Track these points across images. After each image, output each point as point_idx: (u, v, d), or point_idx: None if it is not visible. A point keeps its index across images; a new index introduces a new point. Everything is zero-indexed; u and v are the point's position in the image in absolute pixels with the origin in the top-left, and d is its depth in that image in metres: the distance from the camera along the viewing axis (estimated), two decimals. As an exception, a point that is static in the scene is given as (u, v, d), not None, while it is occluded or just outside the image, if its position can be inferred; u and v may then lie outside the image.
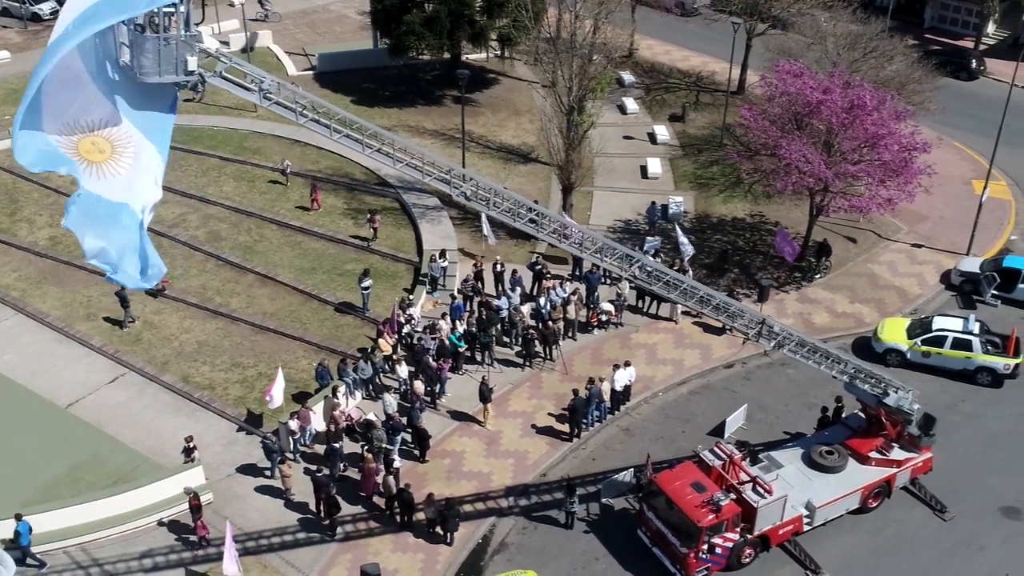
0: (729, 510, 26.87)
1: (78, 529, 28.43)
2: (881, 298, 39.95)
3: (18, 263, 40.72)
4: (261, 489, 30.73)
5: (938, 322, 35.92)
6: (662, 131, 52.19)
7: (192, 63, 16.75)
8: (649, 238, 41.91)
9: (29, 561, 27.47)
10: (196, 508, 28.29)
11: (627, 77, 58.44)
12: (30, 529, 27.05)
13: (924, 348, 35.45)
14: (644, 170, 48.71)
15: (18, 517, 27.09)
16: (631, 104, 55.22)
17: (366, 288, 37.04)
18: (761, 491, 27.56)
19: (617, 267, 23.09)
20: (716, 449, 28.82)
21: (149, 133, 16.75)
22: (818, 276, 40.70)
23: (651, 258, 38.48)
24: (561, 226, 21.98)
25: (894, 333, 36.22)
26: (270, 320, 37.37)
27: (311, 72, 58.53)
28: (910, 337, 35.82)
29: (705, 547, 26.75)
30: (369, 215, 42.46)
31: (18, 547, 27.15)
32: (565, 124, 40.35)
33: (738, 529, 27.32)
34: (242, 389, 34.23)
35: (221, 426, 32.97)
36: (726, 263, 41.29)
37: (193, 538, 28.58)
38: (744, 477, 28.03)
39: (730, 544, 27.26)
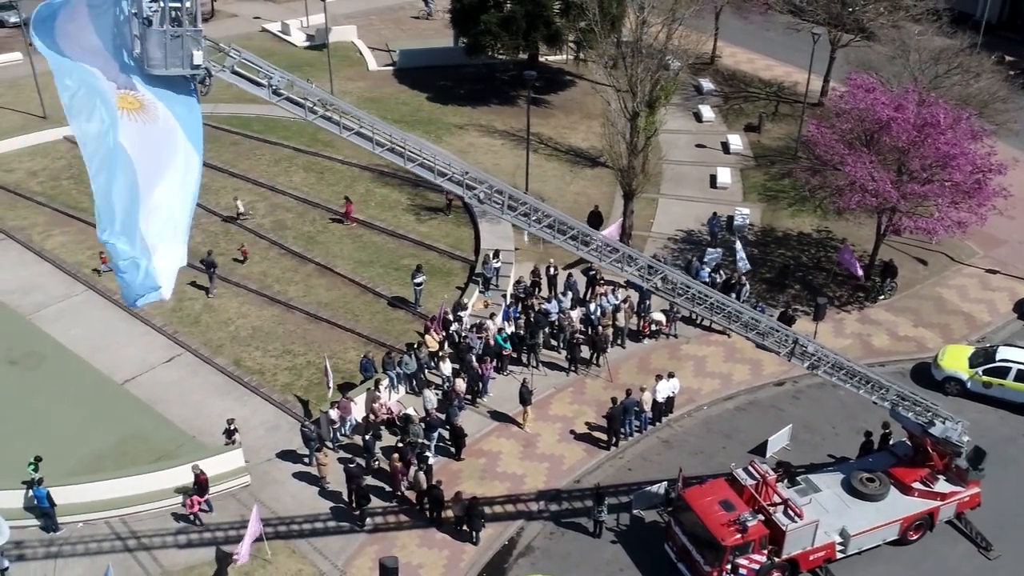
0: (756, 531, 26.29)
1: (119, 501, 29.38)
2: (947, 323, 38.56)
3: (93, 241, 41.90)
4: (298, 475, 31.27)
5: (1003, 352, 34.47)
6: (736, 141, 51.38)
7: (198, 57, 17.22)
8: (710, 249, 41.40)
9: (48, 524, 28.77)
10: (202, 485, 29.00)
11: (706, 84, 57.76)
12: (48, 495, 28.13)
13: (985, 378, 34.11)
14: (713, 179, 48.01)
15: (39, 482, 28.26)
16: (707, 112, 54.53)
17: (418, 284, 37.43)
18: (792, 514, 26.90)
19: (639, 277, 22.80)
20: (751, 468, 28.20)
21: (177, 113, 17.23)
22: (882, 297, 39.49)
23: (706, 272, 38.20)
24: (582, 233, 21.79)
25: (955, 360, 34.93)
26: (324, 310, 38.05)
27: (391, 68, 59.40)
28: (972, 366, 34.51)
29: (729, 567, 26.24)
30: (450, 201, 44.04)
31: (38, 512, 28.54)
32: (629, 129, 40.00)
33: (765, 551, 26.71)
34: (290, 376, 34.93)
35: (267, 411, 33.68)
36: (787, 278, 40.40)
37: (227, 520, 29.24)
38: (776, 499, 27.40)
39: (756, 566, 26.67)
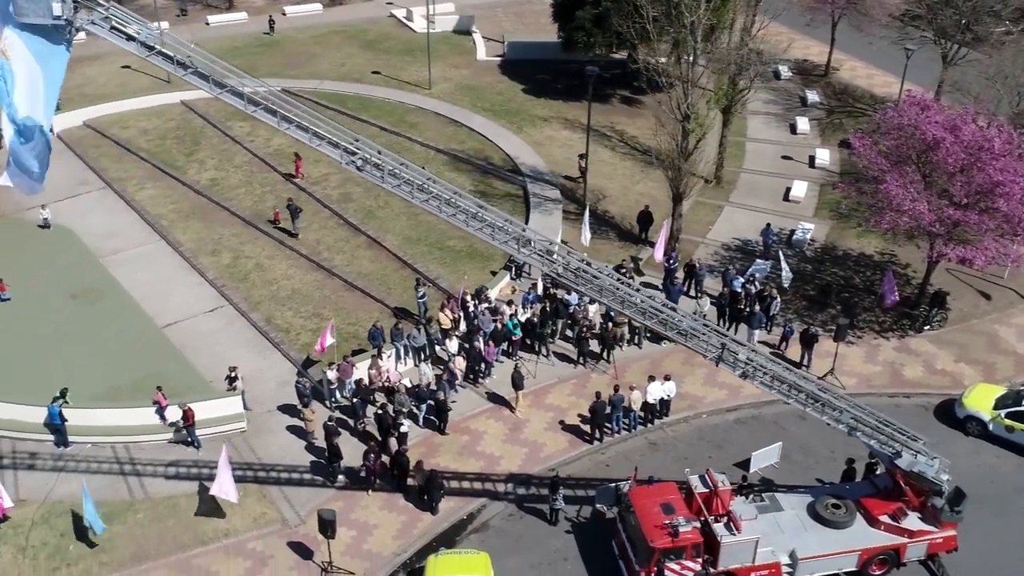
0: (688, 538, 25.90)
1: (124, 429, 32.08)
2: (993, 363, 36.19)
3: (178, 197, 45.82)
4: (292, 428, 33.05)
5: (1032, 396, 32.26)
6: (824, 156, 49.69)
7: (57, 8, 18.96)
8: (759, 260, 40.53)
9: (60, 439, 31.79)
10: (189, 419, 31.31)
11: (812, 96, 56.00)
12: (60, 413, 31.04)
13: (1008, 422, 31.99)
14: (788, 192, 46.67)
15: (55, 400, 31.23)
16: (803, 124, 52.92)
17: (421, 297, 37.62)
18: (731, 527, 26.35)
19: (539, 261, 22.94)
20: (706, 476, 27.78)
21: (40, 58, 19.17)
22: (927, 327, 37.46)
23: (739, 281, 37.38)
24: (479, 207, 22.07)
25: (980, 400, 32.89)
26: (361, 279, 39.80)
27: (499, 58, 60.69)
28: (997, 407, 32.41)
29: (656, 569, 26.01)
30: (581, 157, 45.85)
31: (52, 428, 31.59)
32: (680, 131, 39.70)
33: (700, 560, 26.31)
34: (312, 337, 36.72)
35: (283, 367, 35.69)
36: (828, 298, 38.95)
37: (215, 459, 31.25)
38: (724, 510, 26.88)
39: (689, 574, 26.32)
